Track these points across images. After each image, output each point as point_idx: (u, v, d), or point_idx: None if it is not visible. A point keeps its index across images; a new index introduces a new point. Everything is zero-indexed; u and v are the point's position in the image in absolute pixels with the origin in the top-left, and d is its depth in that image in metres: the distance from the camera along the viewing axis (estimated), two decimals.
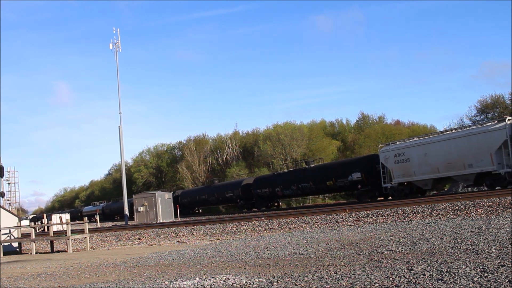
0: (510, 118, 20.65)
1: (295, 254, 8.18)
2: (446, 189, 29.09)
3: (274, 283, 5.51)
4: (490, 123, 21.80)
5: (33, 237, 16.66)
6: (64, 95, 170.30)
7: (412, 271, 5.41)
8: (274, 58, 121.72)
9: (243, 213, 31.77)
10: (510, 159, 19.71)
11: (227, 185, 40.52)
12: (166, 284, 6.12)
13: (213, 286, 5.75)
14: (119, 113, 34.52)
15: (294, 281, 5.49)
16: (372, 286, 4.88)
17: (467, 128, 23.09)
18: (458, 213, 13.12)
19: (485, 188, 22.50)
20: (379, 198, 27.80)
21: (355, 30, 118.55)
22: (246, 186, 37.36)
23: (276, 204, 37.30)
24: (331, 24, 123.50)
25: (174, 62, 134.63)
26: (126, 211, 33.88)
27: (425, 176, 23.26)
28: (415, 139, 25.44)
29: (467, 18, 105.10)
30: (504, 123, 20.27)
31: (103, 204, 60.87)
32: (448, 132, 23.66)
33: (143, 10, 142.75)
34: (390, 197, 26.08)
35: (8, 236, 16.84)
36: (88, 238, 16.65)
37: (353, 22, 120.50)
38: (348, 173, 28.25)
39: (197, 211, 45.93)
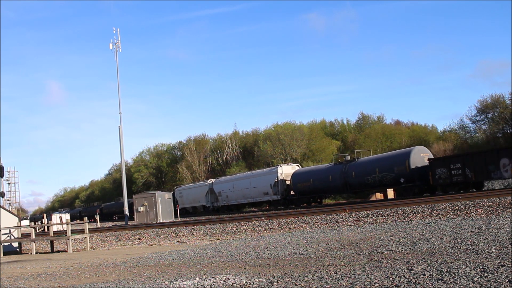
0: (211, 180, 43.91)
1: (295, 254, 8.18)
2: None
3: (274, 283, 5.51)
4: (203, 182, 45.37)
5: (33, 237, 16.66)
6: (57, 94, 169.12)
7: (412, 271, 5.42)
8: (272, 58, 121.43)
9: (242, 213, 32.13)
10: (210, 200, 41.92)
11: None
12: (166, 284, 6.12)
13: (213, 286, 5.75)
14: (119, 113, 34.52)
15: (294, 281, 5.49)
16: (372, 286, 4.88)
17: (199, 183, 46.45)
18: (458, 213, 13.12)
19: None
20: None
21: (349, 29, 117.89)
22: None
23: None
24: (323, 22, 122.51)
25: (174, 62, 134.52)
26: (126, 211, 33.89)
27: (188, 205, 44.90)
28: (189, 184, 49.52)
29: (464, 17, 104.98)
30: (208, 182, 43.07)
31: (66, 211, 73.39)
32: (196, 184, 47.05)
33: (137, 9, 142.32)
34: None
35: (8, 236, 16.83)
36: (88, 238, 16.65)
37: (346, 21, 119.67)
38: None
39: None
